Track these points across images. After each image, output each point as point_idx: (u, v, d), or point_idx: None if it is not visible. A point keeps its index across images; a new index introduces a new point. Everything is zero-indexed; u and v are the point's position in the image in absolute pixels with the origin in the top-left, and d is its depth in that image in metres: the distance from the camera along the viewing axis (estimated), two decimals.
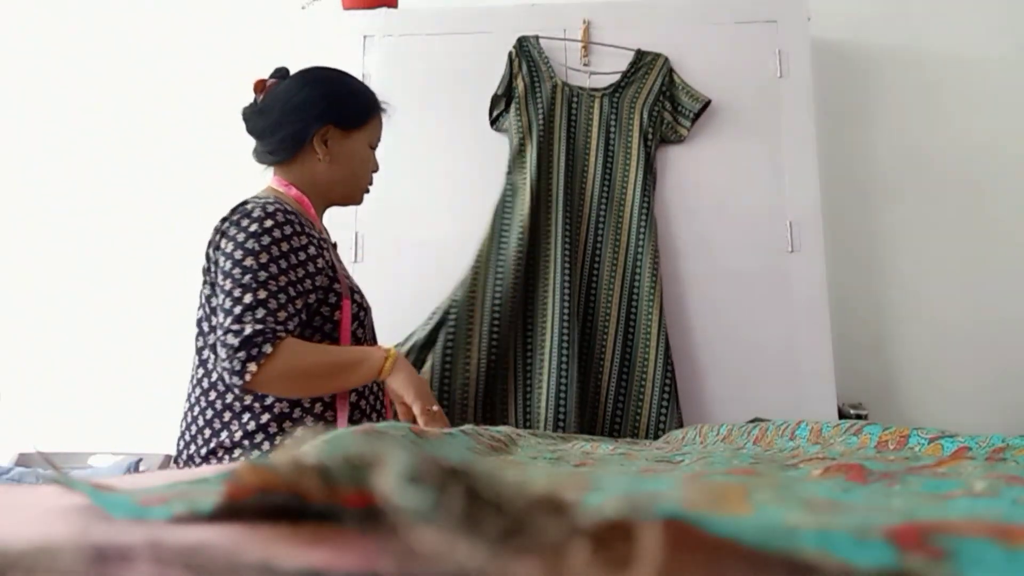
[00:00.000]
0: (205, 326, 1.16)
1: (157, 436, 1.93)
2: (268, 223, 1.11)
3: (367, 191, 1.33)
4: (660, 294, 1.78)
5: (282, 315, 1.07)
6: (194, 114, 2.42)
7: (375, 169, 1.32)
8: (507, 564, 0.17)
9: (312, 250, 1.16)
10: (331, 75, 1.29)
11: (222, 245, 1.12)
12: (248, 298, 1.06)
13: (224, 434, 1.12)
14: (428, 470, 0.19)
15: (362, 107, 1.28)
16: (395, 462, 0.20)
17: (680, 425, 1.68)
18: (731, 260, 1.85)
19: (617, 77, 1.92)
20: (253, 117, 1.26)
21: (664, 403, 1.72)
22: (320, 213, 1.29)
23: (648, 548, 0.17)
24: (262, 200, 1.15)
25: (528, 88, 1.89)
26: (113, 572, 0.19)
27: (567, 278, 1.76)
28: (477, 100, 1.93)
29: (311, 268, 1.15)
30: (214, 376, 1.14)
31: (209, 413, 1.13)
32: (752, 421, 1.01)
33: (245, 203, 1.15)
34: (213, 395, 1.13)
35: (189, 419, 1.16)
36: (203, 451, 1.13)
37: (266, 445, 1.11)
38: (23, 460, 2.09)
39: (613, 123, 1.90)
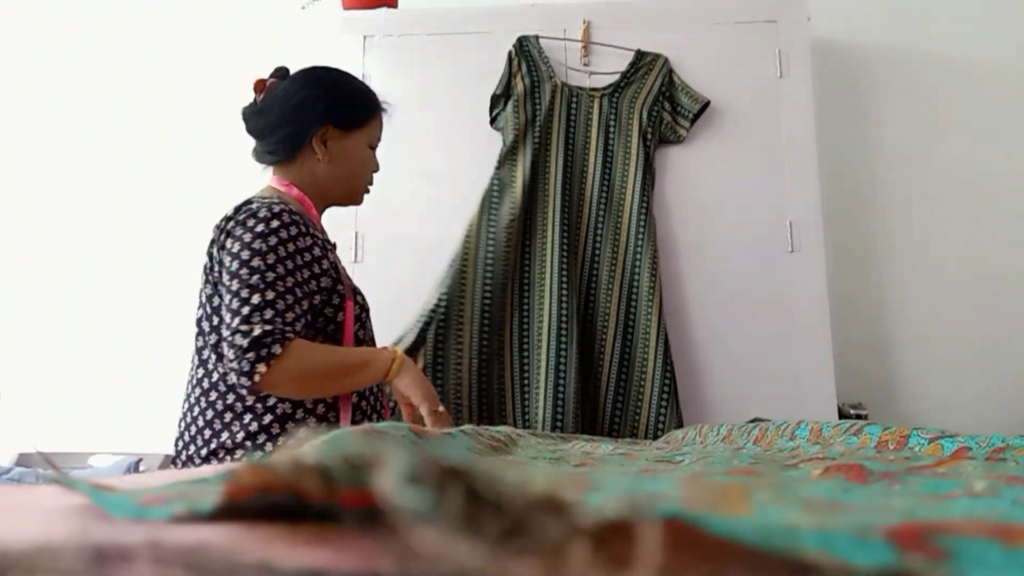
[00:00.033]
0: (205, 326, 1.16)
1: (157, 436, 1.92)
2: (274, 223, 1.11)
3: (367, 191, 1.33)
4: (659, 294, 1.78)
5: (290, 316, 1.07)
6: (194, 114, 2.42)
7: (375, 169, 1.32)
8: (507, 564, 0.17)
9: (317, 251, 1.16)
10: (331, 75, 1.28)
11: (227, 245, 1.11)
12: (256, 299, 1.05)
13: (225, 435, 1.11)
14: (428, 470, 0.19)
15: (362, 107, 1.27)
16: (395, 462, 0.20)
17: (680, 425, 1.68)
18: (731, 260, 1.85)
19: (617, 77, 1.92)
20: (253, 117, 1.26)
21: (663, 403, 1.72)
22: (320, 213, 1.28)
23: (648, 548, 0.17)
24: (267, 200, 1.14)
25: (527, 87, 1.89)
26: (113, 572, 0.19)
27: (564, 277, 1.76)
28: (477, 100, 1.93)
29: (316, 269, 1.15)
30: (215, 376, 1.13)
31: (210, 413, 1.13)
32: (752, 421, 1.01)
33: (249, 203, 1.15)
34: (214, 395, 1.13)
35: (189, 419, 1.15)
36: (203, 452, 1.12)
37: (268, 446, 1.11)
38: (23, 460, 2.09)
39: (612, 123, 1.90)
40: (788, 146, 1.89)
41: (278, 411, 1.12)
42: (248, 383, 1.03)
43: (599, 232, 1.85)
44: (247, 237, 1.09)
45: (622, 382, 1.77)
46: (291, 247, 1.11)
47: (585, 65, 1.96)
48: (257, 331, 1.03)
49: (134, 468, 1.99)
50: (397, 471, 0.19)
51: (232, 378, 1.04)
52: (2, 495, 0.37)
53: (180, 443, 1.16)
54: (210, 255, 1.15)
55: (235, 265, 1.08)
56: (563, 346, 1.71)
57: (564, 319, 1.73)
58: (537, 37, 1.94)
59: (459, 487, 0.18)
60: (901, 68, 2.30)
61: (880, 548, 0.18)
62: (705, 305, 1.85)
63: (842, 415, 1.79)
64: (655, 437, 1.67)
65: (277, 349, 1.03)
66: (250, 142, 1.27)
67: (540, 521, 0.18)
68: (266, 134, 1.24)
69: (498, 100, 1.91)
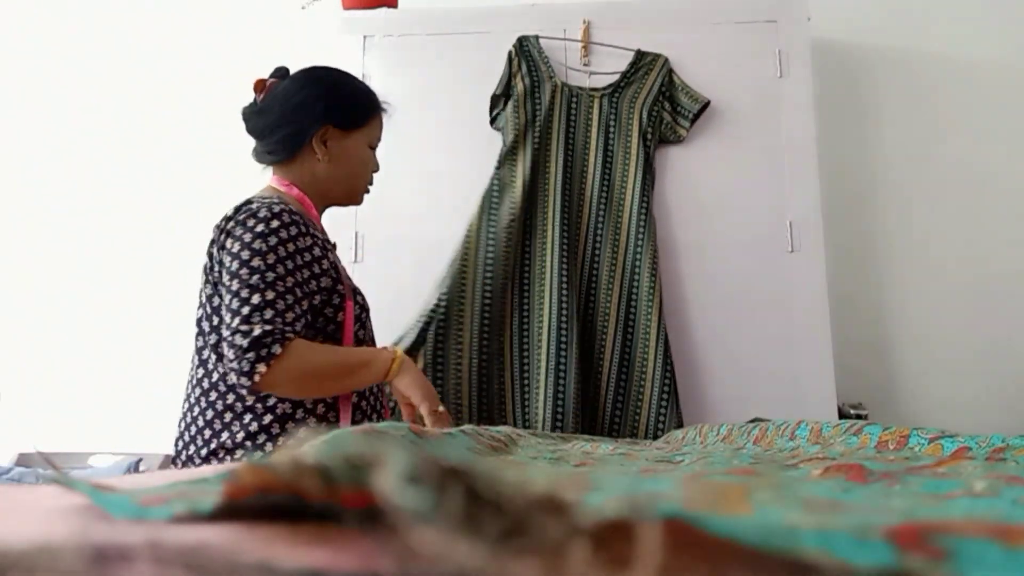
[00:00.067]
0: (205, 326, 1.16)
1: (157, 436, 1.92)
2: (275, 224, 1.11)
3: (367, 191, 1.33)
4: (659, 294, 1.78)
5: (290, 316, 1.07)
6: (194, 114, 2.42)
7: (375, 169, 1.32)
8: (507, 564, 0.17)
9: (317, 251, 1.16)
10: (331, 75, 1.28)
11: (227, 245, 1.11)
12: (256, 299, 1.05)
13: (225, 435, 1.11)
14: (428, 470, 0.19)
15: (361, 107, 1.27)
16: (395, 462, 0.20)
17: (680, 425, 1.68)
18: (731, 260, 1.85)
19: (617, 77, 1.92)
20: (253, 117, 1.26)
21: (663, 403, 1.72)
22: (320, 213, 1.28)
23: (648, 548, 0.17)
24: (267, 200, 1.14)
25: (527, 87, 1.89)
26: (113, 572, 0.19)
27: (564, 277, 1.76)
28: (477, 100, 1.93)
29: (316, 269, 1.15)
30: (215, 376, 1.13)
31: (210, 413, 1.13)
32: (752, 421, 1.01)
33: (249, 202, 1.15)
34: (214, 395, 1.13)
35: (188, 419, 1.15)
36: (203, 452, 1.12)
37: (269, 446, 1.11)
38: (23, 460, 2.09)
39: (612, 123, 1.90)
40: (788, 146, 1.89)
41: (278, 411, 1.12)
42: (248, 383, 1.03)
43: (599, 232, 1.85)
44: (247, 237, 1.09)
45: (622, 382, 1.77)
46: (291, 247, 1.11)
47: (585, 65, 1.96)
48: (257, 331, 1.03)
49: (134, 468, 1.99)
50: (397, 471, 0.19)
51: (232, 378, 1.04)
52: (2, 495, 0.37)
53: (180, 443, 1.16)
54: (210, 255, 1.15)
55: (235, 265, 1.08)
56: (563, 346, 1.71)
57: (564, 319, 1.73)
58: (537, 37, 1.94)
59: (459, 487, 0.18)
60: (901, 68, 2.30)
61: (880, 548, 0.18)
62: (705, 305, 1.85)
63: (842, 415, 1.79)
64: (655, 437, 1.67)
65: (277, 349, 1.03)
66: (250, 142, 1.27)
67: (540, 521, 0.18)
68: (266, 134, 1.24)
69: (498, 100, 1.91)
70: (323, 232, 1.27)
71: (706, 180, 1.90)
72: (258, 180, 1.28)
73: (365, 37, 1.98)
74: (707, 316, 1.84)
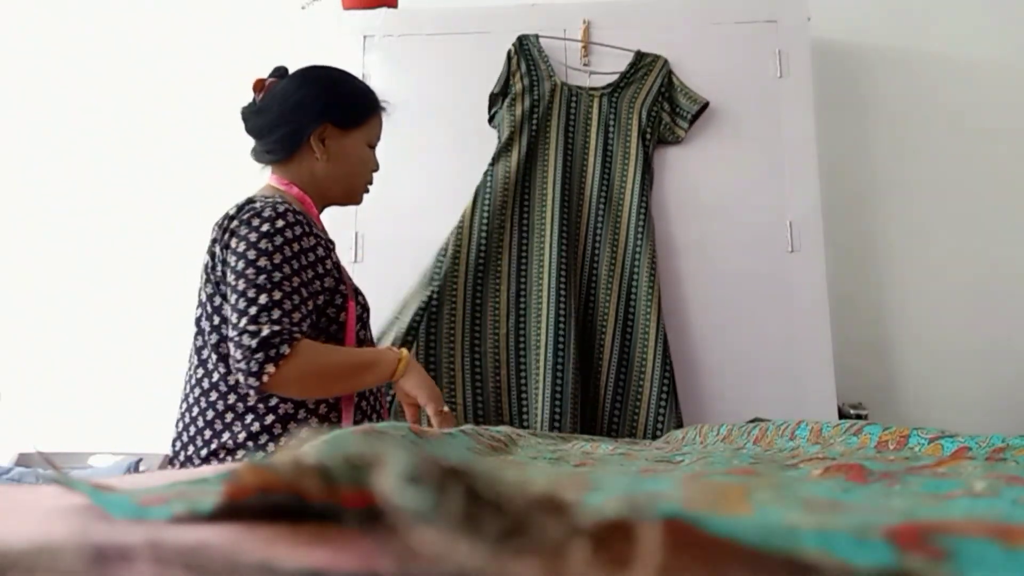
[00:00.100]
0: (205, 325, 1.15)
1: (157, 436, 1.92)
2: (280, 223, 1.10)
3: (366, 191, 1.33)
4: (658, 294, 1.78)
5: (296, 316, 1.06)
6: (194, 114, 2.42)
7: (375, 168, 1.32)
8: (507, 564, 0.17)
9: (320, 251, 1.16)
10: (330, 74, 1.28)
11: (232, 244, 1.10)
12: (263, 299, 1.05)
13: (226, 435, 1.11)
14: (428, 470, 0.19)
15: (360, 106, 1.27)
16: (395, 462, 0.20)
17: (679, 425, 1.68)
18: (731, 260, 1.85)
19: (616, 77, 1.92)
20: (252, 116, 1.25)
21: (662, 403, 1.72)
22: (319, 212, 1.28)
23: (648, 548, 0.17)
24: (270, 199, 1.14)
25: (526, 87, 1.89)
26: (113, 572, 0.19)
27: (563, 277, 1.76)
28: (477, 100, 1.93)
29: (320, 269, 1.15)
30: (215, 376, 1.13)
31: (210, 414, 1.12)
32: (752, 421, 1.01)
33: (252, 201, 1.14)
34: (214, 395, 1.13)
35: (188, 419, 1.15)
36: (203, 452, 1.11)
37: (270, 446, 1.10)
38: (23, 460, 2.09)
39: (612, 122, 1.90)
40: (788, 146, 1.89)
41: (280, 411, 1.12)
42: (256, 383, 1.02)
43: (598, 231, 1.85)
44: (252, 237, 1.09)
45: (621, 382, 1.77)
46: (296, 247, 1.11)
47: (585, 65, 1.96)
48: (265, 331, 1.02)
49: (134, 468, 1.99)
50: (397, 471, 0.19)
51: (240, 378, 1.04)
52: (2, 495, 0.37)
53: (179, 443, 1.15)
54: (212, 254, 1.14)
55: (241, 265, 1.08)
56: (561, 345, 1.71)
57: (562, 319, 1.72)
58: (537, 36, 1.94)
59: (459, 487, 0.18)
60: (901, 68, 2.30)
61: (880, 548, 0.18)
62: (705, 305, 1.85)
63: (842, 415, 1.79)
64: (654, 437, 1.67)
65: (285, 349, 1.03)
66: (250, 142, 1.27)
67: (540, 521, 0.18)
68: (265, 133, 1.24)
69: (496, 99, 1.91)
70: (324, 231, 1.27)
71: (706, 180, 1.90)
72: (257, 180, 1.28)
73: (365, 37, 1.98)
74: (707, 316, 1.84)
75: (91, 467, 2.03)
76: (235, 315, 1.05)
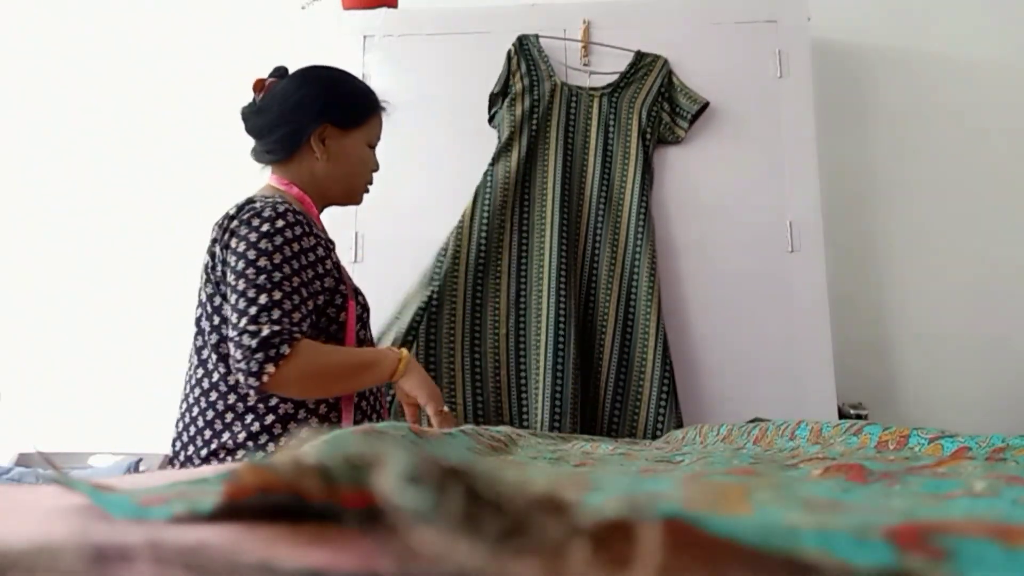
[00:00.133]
0: (205, 325, 1.15)
1: (157, 436, 1.92)
2: (280, 223, 1.10)
3: (366, 191, 1.33)
4: (658, 294, 1.78)
5: (297, 316, 1.06)
6: (194, 114, 2.42)
7: (375, 168, 1.32)
8: (507, 564, 0.17)
9: (320, 251, 1.16)
10: (329, 74, 1.28)
11: (232, 244, 1.10)
12: (263, 299, 1.05)
13: (226, 435, 1.11)
14: (428, 470, 0.19)
15: (360, 106, 1.27)
16: (395, 462, 0.20)
17: (679, 425, 1.68)
18: (731, 260, 1.85)
19: (616, 77, 1.92)
20: (252, 116, 1.25)
21: (662, 403, 1.72)
22: (319, 212, 1.28)
23: (648, 548, 0.17)
24: (270, 199, 1.13)
25: (526, 86, 1.89)
26: (113, 572, 0.19)
27: (563, 277, 1.76)
28: (477, 100, 1.93)
29: (320, 269, 1.15)
30: (215, 376, 1.13)
31: (210, 414, 1.12)
32: (752, 421, 1.01)
33: (252, 201, 1.14)
34: (214, 395, 1.13)
35: (187, 420, 1.15)
36: (203, 452, 1.11)
37: (270, 446, 1.10)
38: (23, 460, 2.09)
39: (612, 122, 1.90)
40: (788, 146, 1.89)
41: (280, 411, 1.12)
42: (257, 383, 1.02)
43: (598, 231, 1.85)
44: (253, 236, 1.09)
45: (621, 382, 1.77)
46: (296, 247, 1.11)
47: (585, 65, 1.96)
48: (266, 331, 1.02)
49: (134, 468, 1.99)
50: (397, 471, 0.19)
51: (240, 378, 1.04)
52: (2, 495, 0.37)
53: (178, 443, 1.15)
54: (212, 254, 1.14)
55: (241, 265, 1.08)
56: (561, 346, 1.71)
57: (562, 319, 1.72)
58: (537, 36, 1.94)
59: (459, 487, 0.18)
60: (901, 68, 2.30)
61: (880, 548, 0.18)
62: (705, 305, 1.85)
63: (842, 415, 1.79)
64: (654, 437, 1.67)
65: (286, 349, 1.03)
66: (250, 142, 1.27)
67: (540, 521, 0.18)
68: (264, 133, 1.24)
69: (496, 98, 1.91)
70: (324, 231, 1.27)
71: (706, 180, 1.90)
72: (257, 180, 1.28)
73: (365, 37, 1.98)
74: (707, 316, 1.84)
75: (91, 467, 2.03)
76: (235, 315, 1.05)
